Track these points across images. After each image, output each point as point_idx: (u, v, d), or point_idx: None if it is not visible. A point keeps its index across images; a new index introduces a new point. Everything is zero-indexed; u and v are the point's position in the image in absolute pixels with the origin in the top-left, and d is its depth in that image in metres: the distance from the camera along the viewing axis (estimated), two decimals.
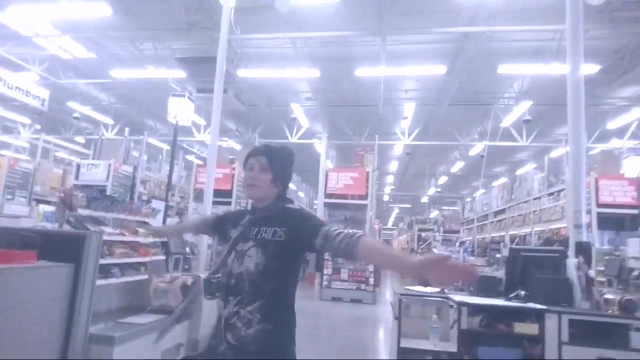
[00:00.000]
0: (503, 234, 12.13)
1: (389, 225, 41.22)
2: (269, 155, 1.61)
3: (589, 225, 6.45)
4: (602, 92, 10.63)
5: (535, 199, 10.53)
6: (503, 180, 16.35)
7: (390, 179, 24.18)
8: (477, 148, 14.89)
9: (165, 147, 15.05)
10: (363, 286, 9.66)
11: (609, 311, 3.12)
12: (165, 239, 4.49)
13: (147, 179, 10.08)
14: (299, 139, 14.62)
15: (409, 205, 32.29)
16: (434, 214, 27.40)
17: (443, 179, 22.57)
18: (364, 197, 11.09)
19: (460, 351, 3.12)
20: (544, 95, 10.83)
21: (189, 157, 18.18)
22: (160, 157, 13.30)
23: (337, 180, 11.29)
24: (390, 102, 11.95)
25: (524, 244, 9.94)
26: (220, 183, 7.15)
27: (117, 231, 4.18)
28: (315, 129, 15.24)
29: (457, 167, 19.05)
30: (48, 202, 7.57)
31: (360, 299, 9.47)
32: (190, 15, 8.28)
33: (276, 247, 1.48)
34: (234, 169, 9.67)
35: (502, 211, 13.07)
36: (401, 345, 3.33)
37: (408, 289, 3.87)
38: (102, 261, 3.57)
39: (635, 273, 4.46)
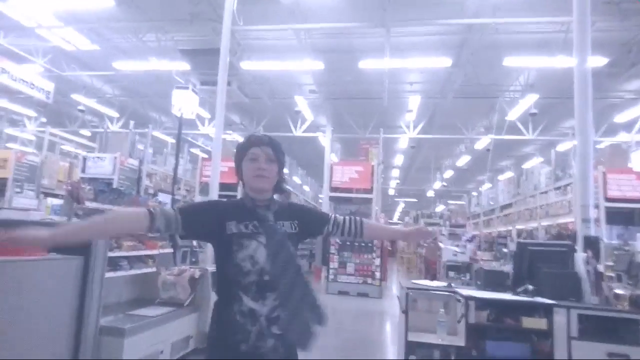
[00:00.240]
0: (510, 228, 12.10)
1: (395, 219, 41.22)
2: (274, 145, 1.59)
3: (597, 219, 6.41)
4: (610, 85, 10.49)
5: (542, 193, 10.47)
6: (509, 174, 16.28)
7: (395, 172, 24.12)
8: (483, 141, 14.80)
9: (170, 140, 15.07)
10: (369, 280, 9.69)
11: (619, 306, 3.10)
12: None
13: (153, 172, 10.10)
14: (303, 132, 14.58)
15: (415, 200, 32.24)
16: (439, 208, 27.39)
17: (449, 173, 22.48)
18: (369, 191, 11.08)
19: (468, 345, 3.13)
20: (550, 88, 10.72)
21: (194, 151, 18.20)
22: (165, 150, 13.31)
23: (342, 174, 11.28)
24: (394, 94, 11.87)
25: (531, 239, 9.90)
26: (225, 176, 7.16)
27: None
28: (320, 122, 15.19)
29: (463, 160, 18.96)
30: (56, 195, 7.61)
31: (367, 292, 9.51)
32: (193, 6, 8.23)
33: (295, 239, 1.59)
34: None
35: (509, 205, 13.02)
36: (408, 339, 3.33)
37: (415, 283, 3.87)
38: (111, 254, 3.60)
39: None
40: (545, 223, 9.86)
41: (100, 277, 3.08)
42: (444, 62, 9.40)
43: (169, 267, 4.36)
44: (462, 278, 4.38)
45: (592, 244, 3.95)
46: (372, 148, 13.03)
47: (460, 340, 3.22)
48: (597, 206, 6.83)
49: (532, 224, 10.70)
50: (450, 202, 27.65)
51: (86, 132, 16.31)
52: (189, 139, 16.71)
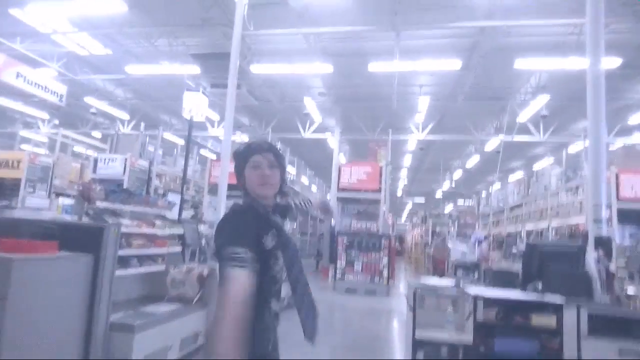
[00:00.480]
0: (519, 229, 11.96)
1: (403, 220, 40.99)
2: (274, 151, 1.60)
3: (609, 219, 6.31)
4: (624, 86, 10.33)
5: (552, 194, 10.34)
6: (519, 175, 16.10)
7: (404, 173, 24.04)
8: (493, 143, 14.68)
9: (180, 141, 15.24)
10: (377, 278, 9.66)
11: (631, 307, 3.05)
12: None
13: (162, 173, 10.22)
14: (311, 133, 14.62)
15: (423, 200, 32.06)
16: (448, 208, 27.19)
17: (458, 174, 22.32)
18: (377, 191, 11.06)
19: (476, 343, 3.10)
20: (561, 90, 10.59)
21: (203, 152, 18.36)
22: (175, 151, 13.47)
23: (350, 175, 11.29)
24: (404, 96, 11.84)
25: (541, 239, 9.79)
26: (233, 177, 7.21)
27: (135, 223, 4.26)
28: (328, 124, 15.22)
29: (473, 161, 18.81)
30: (67, 195, 7.75)
31: (374, 290, 9.49)
32: (204, 11, 8.33)
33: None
34: None
35: (519, 206, 12.88)
36: (416, 337, 3.32)
37: (422, 282, 3.85)
38: (121, 252, 3.64)
39: None
40: (555, 224, 9.74)
41: (110, 275, 3.13)
42: (454, 64, 9.34)
43: (177, 265, 4.41)
44: (471, 277, 4.36)
45: (604, 243, 3.90)
46: (381, 149, 13.00)
47: (468, 338, 3.20)
48: (609, 206, 6.71)
49: (542, 225, 10.57)
50: (459, 202, 27.39)
51: (97, 134, 16.57)
52: (199, 140, 16.87)
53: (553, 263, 3.55)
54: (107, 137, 13.63)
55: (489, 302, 3.17)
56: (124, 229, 3.71)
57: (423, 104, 12.02)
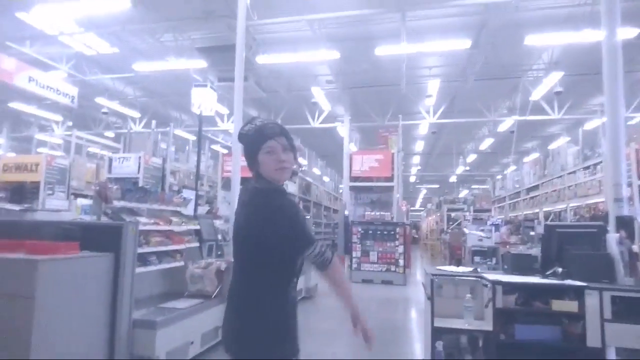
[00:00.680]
0: (537, 210, 11.77)
1: (417, 206, 40.77)
2: (286, 134, 1.60)
3: (630, 198, 6.15)
4: None
5: (569, 173, 10.12)
6: (535, 155, 15.79)
7: (416, 159, 23.82)
8: (507, 123, 14.39)
9: (191, 137, 15.33)
10: (393, 267, 9.68)
11: None
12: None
13: (176, 169, 10.31)
14: (321, 123, 14.55)
15: (437, 186, 31.79)
16: (463, 193, 26.92)
17: (472, 157, 22.02)
18: (390, 179, 11.00)
19: (496, 330, 3.08)
20: (576, 65, 10.28)
21: (215, 147, 18.45)
22: (187, 147, 13.56)
23: (361, 163, 11.24)
24: (413, 80, 11.65)
25: (559, 221, 9.61)
26: (246, 171, 7.22)
27: (152, 221, 4.32)
28: (337, 112, 15.11)
29: (486, 144, 18.52)
30: (85, 196, 7.88)
31: (391, 280, 9.51)
32: (207, 4, 8.29)
33: None
34: None
35: (535, 188, 12.65)
36: (435, 325, 3.31)
37: (440, 269, 3.83)
38: (140, 250, 3.71)
39: None
40: (573, 204, 9.55)
41: (131, 272, 3.19)
42: (463, 44, 9.13)
43: (196, 261, 4.47)
44: (488, 263, 4.31)
45: (626, 223, 3.80)
46: (392, 135, 12.89)
47: (488, 325, 3.18)
48: (629, 184, 6.53)
49: (560, 206, 10.37)
50: (473, 186, 27.08)
51: (110, 134, 16.80)
52: (210, 135, 16.95)
53: (573, 245, 3.49)
54: (119, 136, 13.78)
55: (508, 288, 3.13)
56: (141, 227, 3.77)
57: (433, 86, 11.81)
